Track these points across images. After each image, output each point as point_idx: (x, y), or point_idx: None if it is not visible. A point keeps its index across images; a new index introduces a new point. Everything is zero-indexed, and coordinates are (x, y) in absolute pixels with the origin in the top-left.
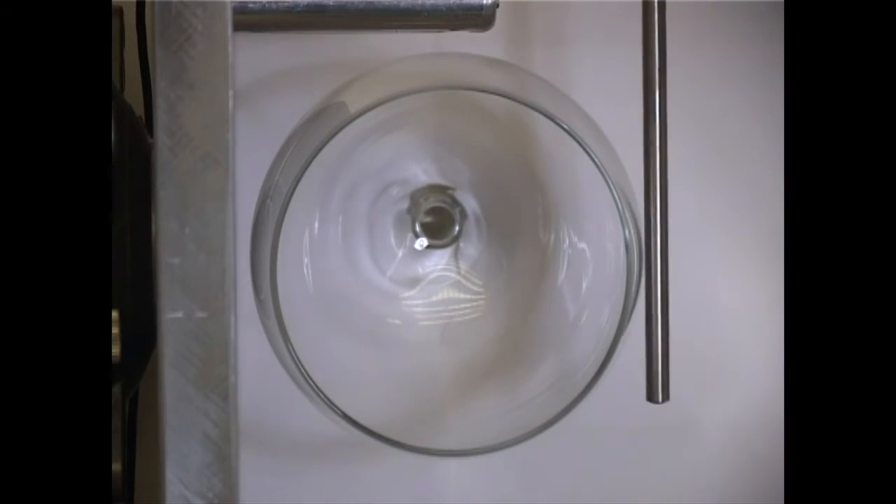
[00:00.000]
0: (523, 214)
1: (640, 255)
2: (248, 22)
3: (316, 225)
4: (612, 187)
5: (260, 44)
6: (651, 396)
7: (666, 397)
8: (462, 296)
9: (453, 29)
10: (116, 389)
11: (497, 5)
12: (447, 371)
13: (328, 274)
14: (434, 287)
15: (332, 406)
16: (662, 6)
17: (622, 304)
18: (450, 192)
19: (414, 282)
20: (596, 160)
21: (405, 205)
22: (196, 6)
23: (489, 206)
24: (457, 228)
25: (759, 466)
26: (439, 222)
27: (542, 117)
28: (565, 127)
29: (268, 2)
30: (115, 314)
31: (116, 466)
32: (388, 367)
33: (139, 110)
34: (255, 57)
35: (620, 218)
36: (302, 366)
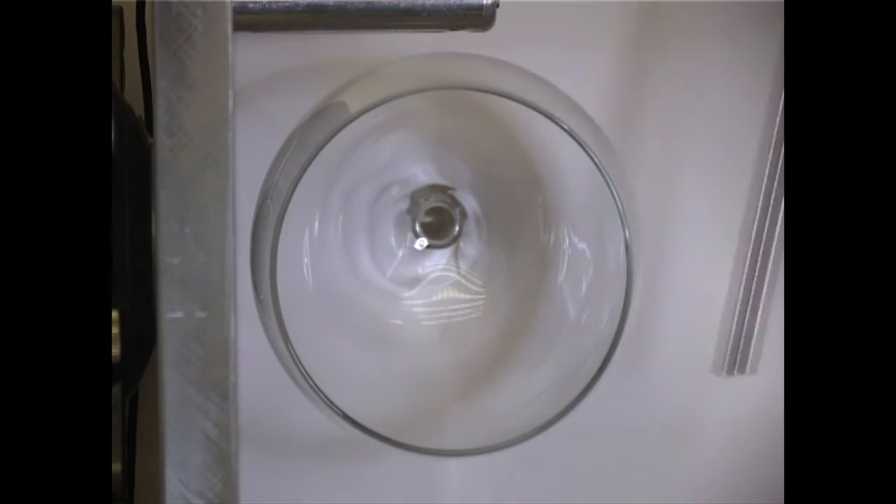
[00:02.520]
0: (523, 214)
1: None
2: (248, 22)
3: (316, 225)
4: (613, 187)
5: (260, 44)
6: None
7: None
8: (462, 296)
9: (453, 29)
10: (116, 389)
11: (497, 5)
12: (447, 371)
13: (328, 274)
14: (434, 287)
15: (332, 406)
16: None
17: (622, 304)
18: (450, 192)
19: (414, 282)
20: (596, 160)
21: (405, 205)
22: (196, 6)
23: (489, 206)
24: (457, 228)
25: (759, 466)
26: (439, 222)
27: (542, 117)
28: (565, 127)
29: (268, 2)
30: (115, 314)
31: (116, 466)
32: (389, 367)
33: (139, 110)
34: (255, 57)
35: (620, 218)
36: (302, 366)
